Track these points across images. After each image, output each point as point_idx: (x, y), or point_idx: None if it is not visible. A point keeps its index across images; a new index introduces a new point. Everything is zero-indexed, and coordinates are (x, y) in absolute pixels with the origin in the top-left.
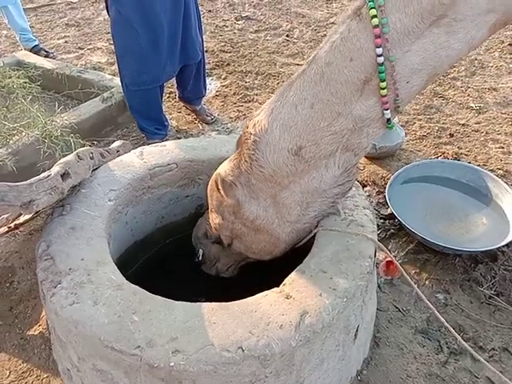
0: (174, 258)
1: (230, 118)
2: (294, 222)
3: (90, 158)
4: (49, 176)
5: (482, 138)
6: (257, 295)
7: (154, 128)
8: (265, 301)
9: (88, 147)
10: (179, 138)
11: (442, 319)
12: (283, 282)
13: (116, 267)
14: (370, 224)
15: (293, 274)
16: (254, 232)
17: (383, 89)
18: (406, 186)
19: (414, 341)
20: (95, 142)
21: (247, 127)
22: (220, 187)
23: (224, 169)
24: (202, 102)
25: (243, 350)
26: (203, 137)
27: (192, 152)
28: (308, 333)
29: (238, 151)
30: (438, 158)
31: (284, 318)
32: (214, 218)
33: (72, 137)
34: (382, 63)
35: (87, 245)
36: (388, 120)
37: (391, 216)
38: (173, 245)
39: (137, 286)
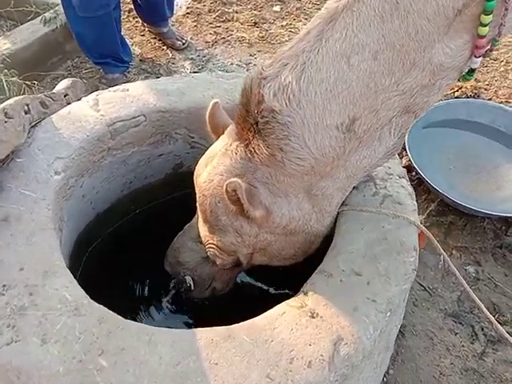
0: (147, 228)
1: (206, 42)
2: (334, 210)
3: (25, 113)
4: None
5: (501, 69)
6: (270, 312)
7: (111, 60)
8: (282, 323)
9: (22, 97)
10: (144, 71)
11: (478, 301)
12: (302, 289)
13: (72, 276)
14: (409, 200)
15: (315, 279)
16: (284, 237)
17: (484, 25)
18: (427, 132)
19: (445, 327)
20: (36, 82)
21: (259, 100)
22: (243, 198)
23: (224, 169)
24: (170, 23)
25: None
26: (178, 76)
27: (165, 98)
28: (345, 369)
29: (237, 134)
30: (454, 93)
31: (312, 349)
32: (222, 239)
33: (6, 74)
34: None
35: (27, 244)
36: (471, 70)
37: (409, 167)
38: (145, 213)
39: (102, 307)
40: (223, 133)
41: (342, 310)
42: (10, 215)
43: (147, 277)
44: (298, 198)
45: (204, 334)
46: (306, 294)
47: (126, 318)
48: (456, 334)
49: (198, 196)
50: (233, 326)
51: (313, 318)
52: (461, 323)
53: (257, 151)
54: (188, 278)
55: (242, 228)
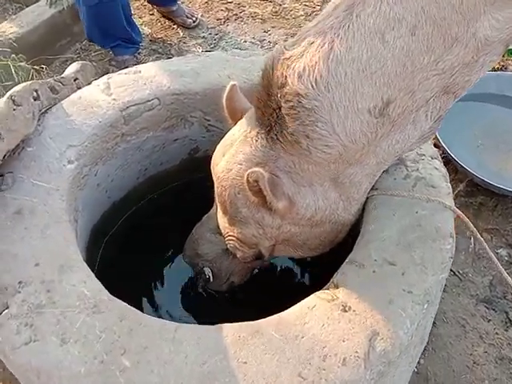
0: (163, 213)
1: (218, 19)
2: (363, 196)
3: (34, 99)
4: None
5: None
6: (299, 306)
7: (121, 41)
8: (313, 317)
9: (30, 82)
10: (155, 51)
11: None
12: (332, 280)
13: (89, 270)
14: (443, 182)
15: (346, 269)
16: (309, 228)
17: None
18: (455, 107)
19: (477, 314)
20: (44, 67)
21: (283, 83)
22: (266, 189)
23: (243, 157)
24: (180, 0)
25: None
26: (192, 56)
27: (179, 80)
28: (382, 366)
29: (257, 119)
30: None
31: (346, 346)
32: (242, 231)
33: (14, 59)
34: None
35: (42, 238)
36: None
37: (436, 145)
38: (160, 198)
39: (122, 303)
40: (241, 118)
41: (376, 303)
42: (23, 207)
43: (166, 263)
44: (324, 187)
45: (230, 329)
46: (336, 285)
47: (148, 309)
48: (489, 320)
49: (216, 186)
50: (260, 320)
51: (345, 311)
52: (494, 309)
53: (279, 138)
54: (207, 270)
55: (263, 220)
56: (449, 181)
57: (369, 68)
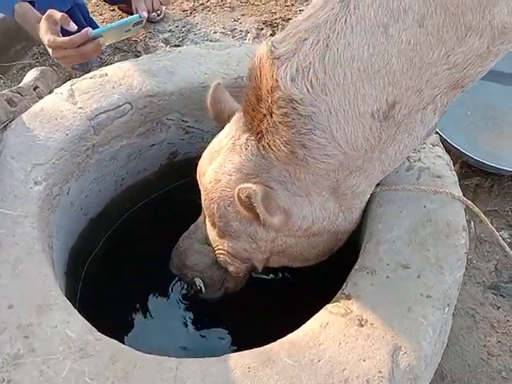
0: (145, 226)
1: (184, 10)
2: (365, 203)
3: None
4: None
5: None
6: (311, 323)
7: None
8: (327, 336)
9: None
10: (120, 50)
11: None
12: (343, 291)
13: (71, 306)
14: (448, 171)
15: (357, 277)
16: (306, 238)
17: None
18: None
19: (486, 302)
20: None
21: (273, 87)
22: (260, 207)
23: (232, 167)
24: None
25: None
26: (162, 52)
27: (151, 80)
28: (408, 383)
29: (246, 125)
30: None
31: (367, 365)
32: (233, 246)
33: None
34: None
35: (14, 275)
36: None
37: None
38: (141, 210)
39: (112, 341)
40: (229, 119)
41: (393, 313)
42: None
43: (154, 277)
44: (322, 197)
45: (238, 360)
46: (348, 296)
47: (139, 339)
48: (498, 307)
49: (203, 198)
50: (270, 345)
51: (362, 326)
52: (502, 295)
53: (272, 147)
54: (198, 281)
55: (256, 233)
56: (453, 168)
57: (371, 67)
